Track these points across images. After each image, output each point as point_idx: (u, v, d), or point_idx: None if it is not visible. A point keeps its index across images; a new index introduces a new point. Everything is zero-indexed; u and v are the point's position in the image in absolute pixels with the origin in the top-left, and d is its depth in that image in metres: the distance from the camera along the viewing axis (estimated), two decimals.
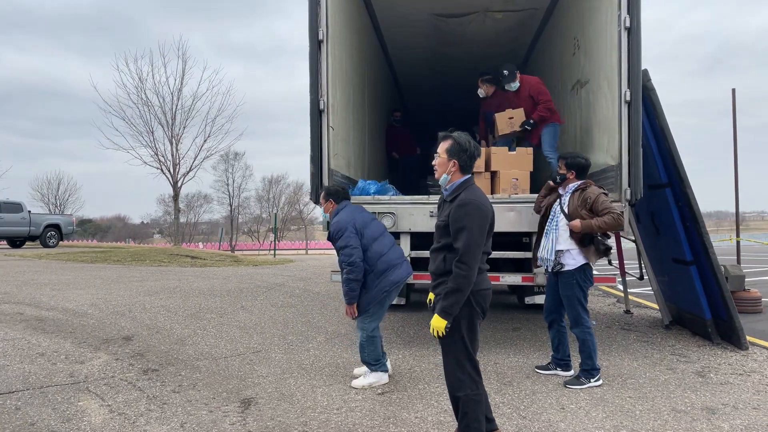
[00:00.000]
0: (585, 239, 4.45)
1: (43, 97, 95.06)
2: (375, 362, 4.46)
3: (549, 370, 4.75)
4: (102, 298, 7.84)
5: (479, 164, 5.88)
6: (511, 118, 6.49)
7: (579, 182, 4.59)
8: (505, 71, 6.62)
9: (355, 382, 4.41)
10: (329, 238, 4.48)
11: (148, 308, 7.31)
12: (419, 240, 5.89)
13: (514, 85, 6.61)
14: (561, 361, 4.73)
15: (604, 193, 4.50)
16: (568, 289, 4.48)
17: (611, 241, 4.82)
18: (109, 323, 6.40)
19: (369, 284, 4.29)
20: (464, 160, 2.98)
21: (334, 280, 5.49)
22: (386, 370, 4.53)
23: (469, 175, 3.02)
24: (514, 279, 5.42)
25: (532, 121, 6.31)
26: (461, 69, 9.89)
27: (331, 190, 4.75)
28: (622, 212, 4.72)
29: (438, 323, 2.84)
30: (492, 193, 5.75)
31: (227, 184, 53.74)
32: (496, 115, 6.64)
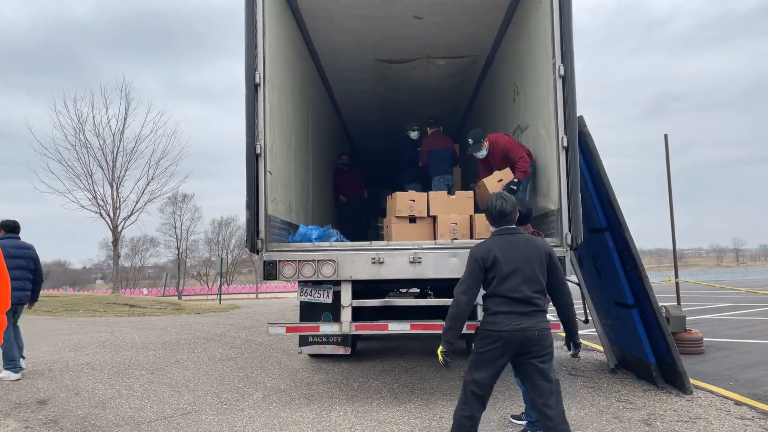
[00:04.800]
0: None
1: None
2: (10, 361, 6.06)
3: (522, 420, 4.51)
4: None
5: (422, 209, 5.79)
6: (500, 180, 5.91)
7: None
8: (470, 140, 6.23)
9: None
10: None
11: (71, 366, 6.75)
12: (361, 287, 5.69)
13: (481, 154, 6.24)
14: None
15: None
16: None
17: None
18: (24, 385, 5.84)
19: None
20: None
21: (271, 333, 5.23)
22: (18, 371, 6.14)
23: (495, 228, 3.57)
24: (401, 327, 5.17)
25: (516, 180, 5.80)
26: (408, 113, 9.95)
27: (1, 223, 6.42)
28: None
29: (438, 348, 3.37)
30: (434, 238, 5.64)
31: (174, 227, 52.11)
32: (484, 180, 6.06)
